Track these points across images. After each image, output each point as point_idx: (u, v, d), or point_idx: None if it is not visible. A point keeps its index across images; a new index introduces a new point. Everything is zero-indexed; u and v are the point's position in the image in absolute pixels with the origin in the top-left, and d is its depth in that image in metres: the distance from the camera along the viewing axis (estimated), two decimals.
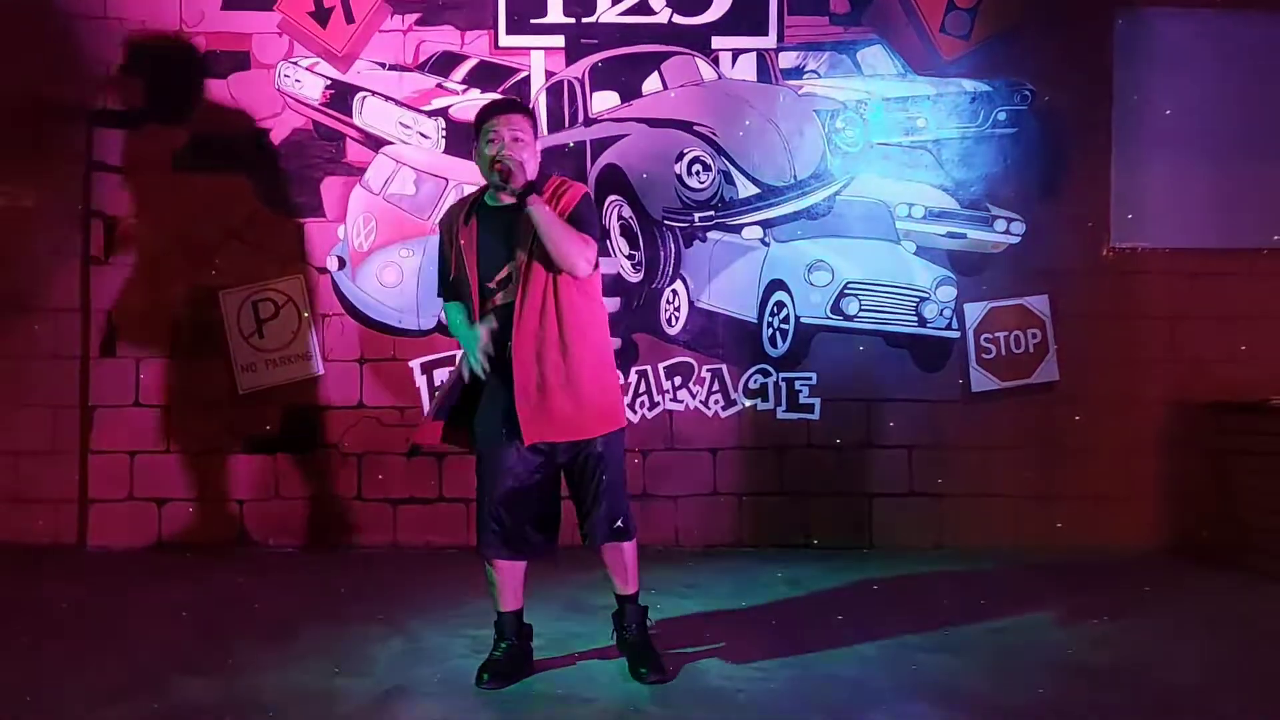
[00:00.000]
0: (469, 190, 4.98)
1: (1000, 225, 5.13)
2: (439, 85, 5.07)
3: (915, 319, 5.12)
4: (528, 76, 5.08)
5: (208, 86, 5.03)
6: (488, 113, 3.04)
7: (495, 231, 3.00)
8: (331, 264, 5.06)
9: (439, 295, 3.20)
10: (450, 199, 5.03)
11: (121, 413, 4.99)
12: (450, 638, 3.56)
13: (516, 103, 3.20)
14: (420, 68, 5.08)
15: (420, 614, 3.85)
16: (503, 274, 2.99)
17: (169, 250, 5.02)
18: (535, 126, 3.14)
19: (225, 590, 4.25)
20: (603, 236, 5.10)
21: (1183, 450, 5.10)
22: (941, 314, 5.12)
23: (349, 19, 5.04)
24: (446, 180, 5.06)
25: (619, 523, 3.12)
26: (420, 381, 5.04)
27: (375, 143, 5.06)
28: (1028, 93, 5.12)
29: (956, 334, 5.13)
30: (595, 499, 3.08)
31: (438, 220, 3.11)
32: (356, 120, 5.06)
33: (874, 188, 5.12)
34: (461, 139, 5.06)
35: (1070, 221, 5.12)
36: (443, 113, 5.06)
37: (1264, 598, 4.25)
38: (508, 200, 2.96)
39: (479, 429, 3.07)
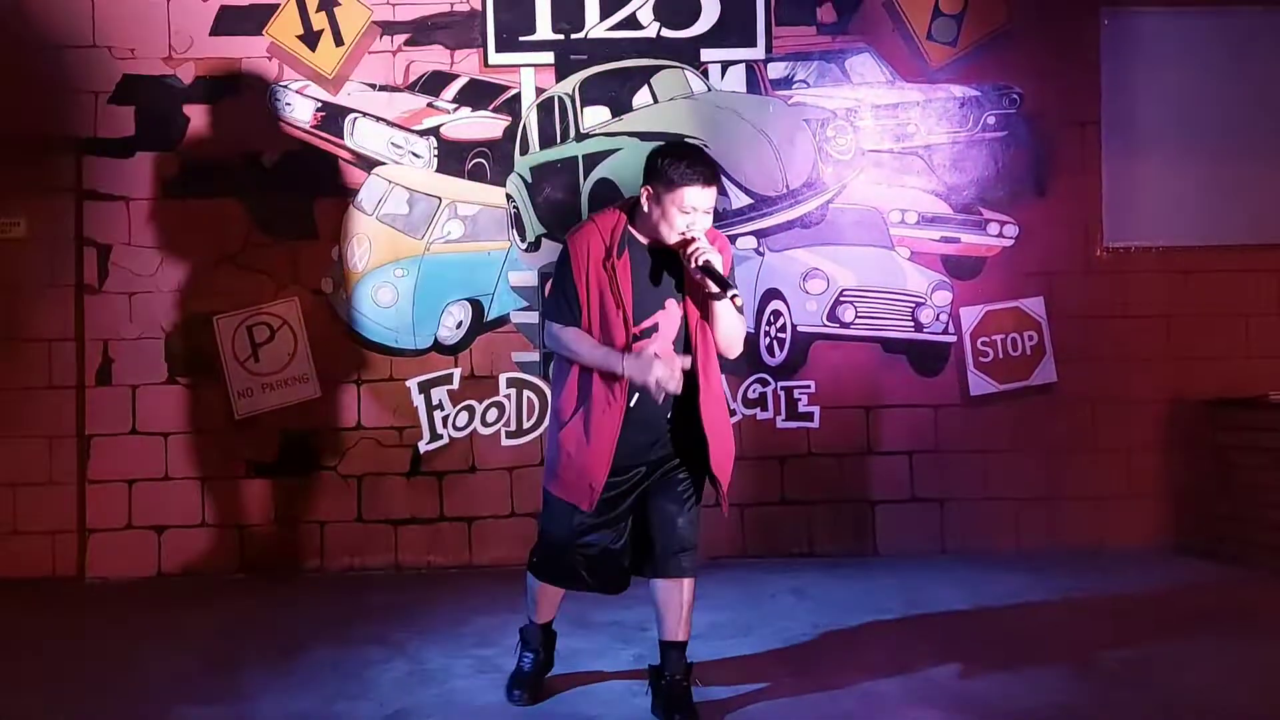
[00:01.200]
0: (463, 209, 5.07)
1: (993, 228, 5.14)
2: (430, 105, 5.08)
3: (911, 324, 5.12)
4: (518, 94, 5.09)
5: (198, 112, 5.03)
6: (684, 182, 2.77)
7: (649, 274, 2.86)
8: (326, 285, 5.05)
9: (559, 320, 2.90)
10: (444, 218, 5.04)
11: (119, 441, 4.97)
12: (453, 659, 3.53)
13: (709, 162, 2.85)
14: (411, 88, 5.09)
15: (422, 635, 3.82)
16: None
17: (163, 277, 5.01)
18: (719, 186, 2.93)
19: (227, 617, 4.23)
20: None
21: (1183, 448, 5.10)
22: (938, 318, 5.12)
23: (338, 41, 5.06)
24: (439, 199, 5.06)
25: (688, 560, 3.01)
26: (418, 401, 5.03)
27: (367, 163, 5.07)
28: (1016, 96, 5.15)
29: (953, 338, 5.13)
30: (672, 528, 3.00)
31: (570, 238, 2.90)
32: (348, 141, 5.06)
33: (866, 195, 5.13)
34: (454, 157, 5.06)
35: (1063, 223, 5.14)
36: (434, 132, 5.07)
37: (1269, 592, 4.24)
38: (662, 243, 2.84)
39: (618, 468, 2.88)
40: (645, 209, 2.84)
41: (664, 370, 2.76)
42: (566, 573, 3.01)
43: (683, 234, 2.78)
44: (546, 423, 3.20)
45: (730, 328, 2.86)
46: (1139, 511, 5.06)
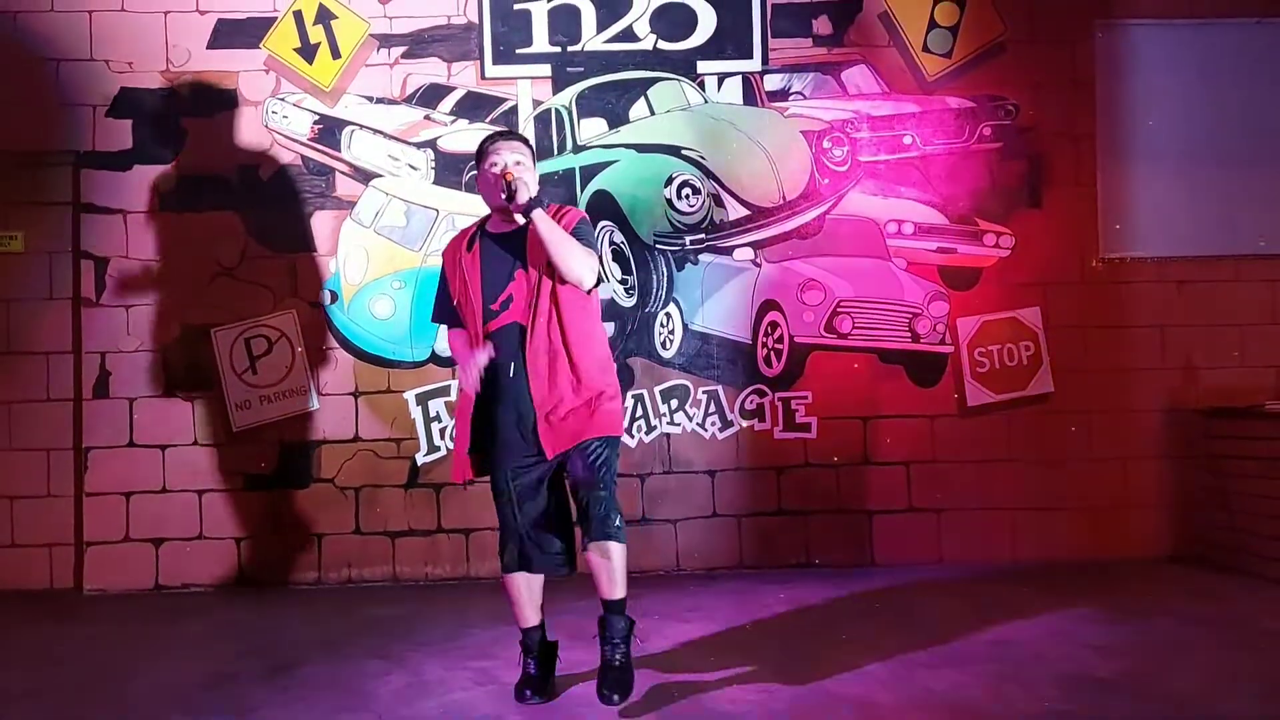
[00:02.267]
0: (460, 221, 5.08)
1: (989, 239, 5.16)
2: (427, 117, 5.10)
3: (908, 335, 5.14)
4: (515, 106, 5.11)
5: (195, 125, 5.05)
6: (487, 141, 3.18)
7: (498, 256, 3.11)
8: (324, 298, 5.06)
9: (435, 320, 3.33)
10: (441, 229, 5.05)
11: (116, 454, 4.97)
12: (451, 670, 3.53)
13: (515, 132, 3.35)
14: (408, 100, 5.11)
15: (421, 647, 3.82)
16: (505, 295, 3.10)
17: (160, 289, 5.02)
18: (533, 154, 3.25)
19: (224, 629, 4.22)
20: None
21: (1178, 458, 5.12)
22: (934, 329, 5.14)
23: (335, 54, 5.08)
24: (437, 211, 5.07)
25: (616, 522, 3.08)
26: (415, 413, 5.03)
27: (365, 176, 5.08)
28: (1012, 108, 5.17)
29: (950, 349, 5.15)
30: (588, 496, 3.10)
31: (440, 250, 3.30)
32: (345, 154, 5.08)
33: (863, 206, 5.16)
34: (451, 169, 5.08)
35: (1058, 233, 5.16)
36: (431, 144, 5.08)
37: (1265, 601, 4.25)
38: (508, 226, 3.10)
39: (496, 450, 3.14)
40: (479, 193, 3.20)
41: (468, 372, 3.07)
42: (510, 552, 3.17)
43: (504, 175, 3.01)
44: None
45: (556, 249, 2.98)
46: (1135, 521, 5.08)
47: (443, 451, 5.03)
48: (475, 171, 3.22)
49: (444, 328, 3.34)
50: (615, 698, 3.06)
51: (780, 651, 3.65)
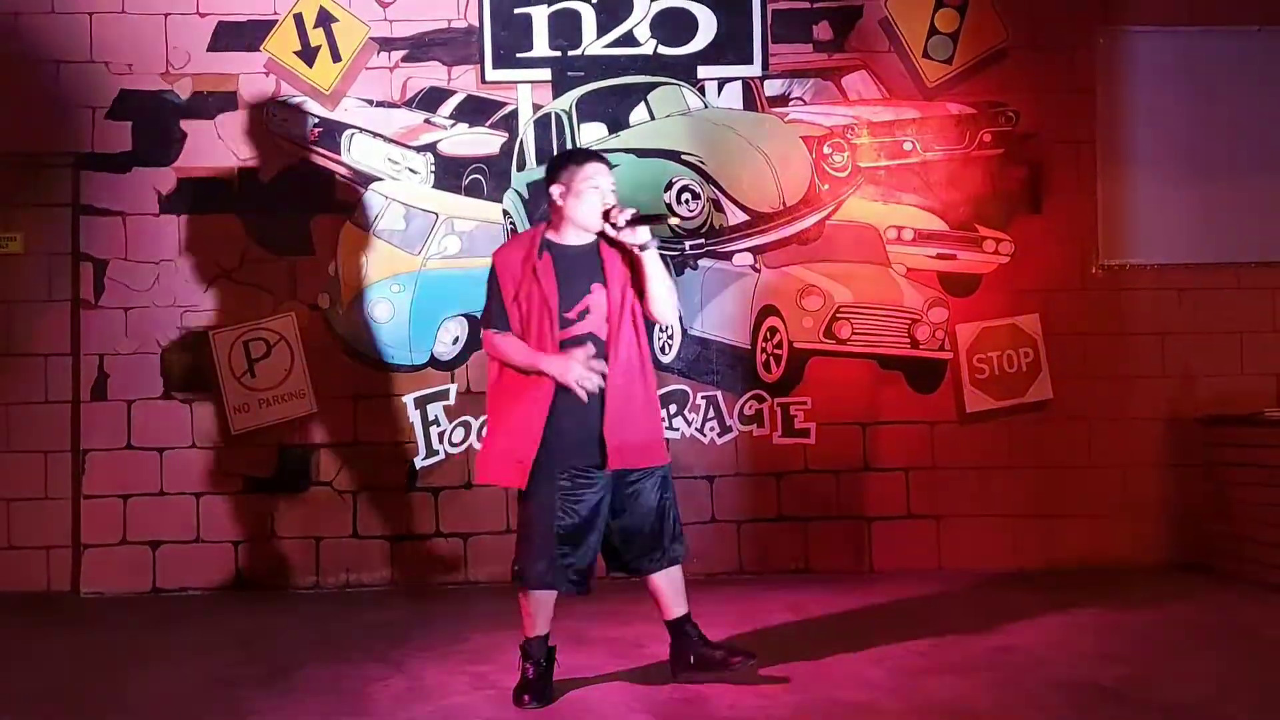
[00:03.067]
0: (460, 224, 5.07)
1: (989, 245, 5.16)
2: (427, 121, 5.10)
3: (908, 341, 5.13)
4: (515, 110, 5.11)
5: (195, 128, 5.04)
6: (582, 158, 3.24)
7: (571, 267, 3.16)
8: (323, 301, 5.05)
9: (492, 326, 3.20)
10: (441, 233, 5.05)
11: (114, 456, 4.96)
12: (450, 675, 3.51)
13: (599, 153, 3.35)
14: (408, 104, 5.11)
15: (419, 651, 3.80)
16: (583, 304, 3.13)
17: (159, 292, 5.01)
18: None
19: (222, 633, 4.20)
20: None
21: (1178, 465, 5.11)
22: (934, 335, 5.14)
23: (335, 57, 5.08)
24: (436, 215, 5.07)
25: (683, 544, 3.31)
26: (414, 416, 5.02)
27: (364, 179, 5.08)
28: (1012, 114, 5.18)
29: (949, 355, 5.14)
30: (662, 522, 3.24)
31: (494, 255, 3.26)
32: (345, 158, 5.07)
33: (863, 212, 5.15)
34: (451, 173, 5.07)
35: (1058, 240, 5.16)
36: (431, 148, 5.08)
37: (1266, 608, 4.24)
38: (579, 240, 3.19)
39: (547, 459, 3.10)
40: (560, 204, 3.17)
41: (581, 370, 3.04)
42: (544, 567, 3.12)
43: (605, 204, 3.12)
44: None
45: (662, 283, 3.19)
46: (1135, 528, 5.07)
47: (441, 455, 5.02)
48: (558, 183, 3.17)
49: (491, 333, 3.20)
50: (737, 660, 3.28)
51: (780, 658, 3.63)
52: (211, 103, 5.05)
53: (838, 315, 5.10)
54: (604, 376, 3.09)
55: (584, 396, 3.06)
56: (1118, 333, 5.15)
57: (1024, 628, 3.96)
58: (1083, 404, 5.11)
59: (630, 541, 3.24)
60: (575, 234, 3.19)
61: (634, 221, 3.11)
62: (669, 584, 3.28)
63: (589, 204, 3.15)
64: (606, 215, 3.13)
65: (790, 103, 5.18)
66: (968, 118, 5.18)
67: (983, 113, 5.18)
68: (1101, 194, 5.19)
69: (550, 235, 3.22)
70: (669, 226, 3.15)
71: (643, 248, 3.14)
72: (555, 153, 5.07)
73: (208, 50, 5.06)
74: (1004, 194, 5.18)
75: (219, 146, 5.04)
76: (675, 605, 3.30)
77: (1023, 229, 5.15)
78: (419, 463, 5.02)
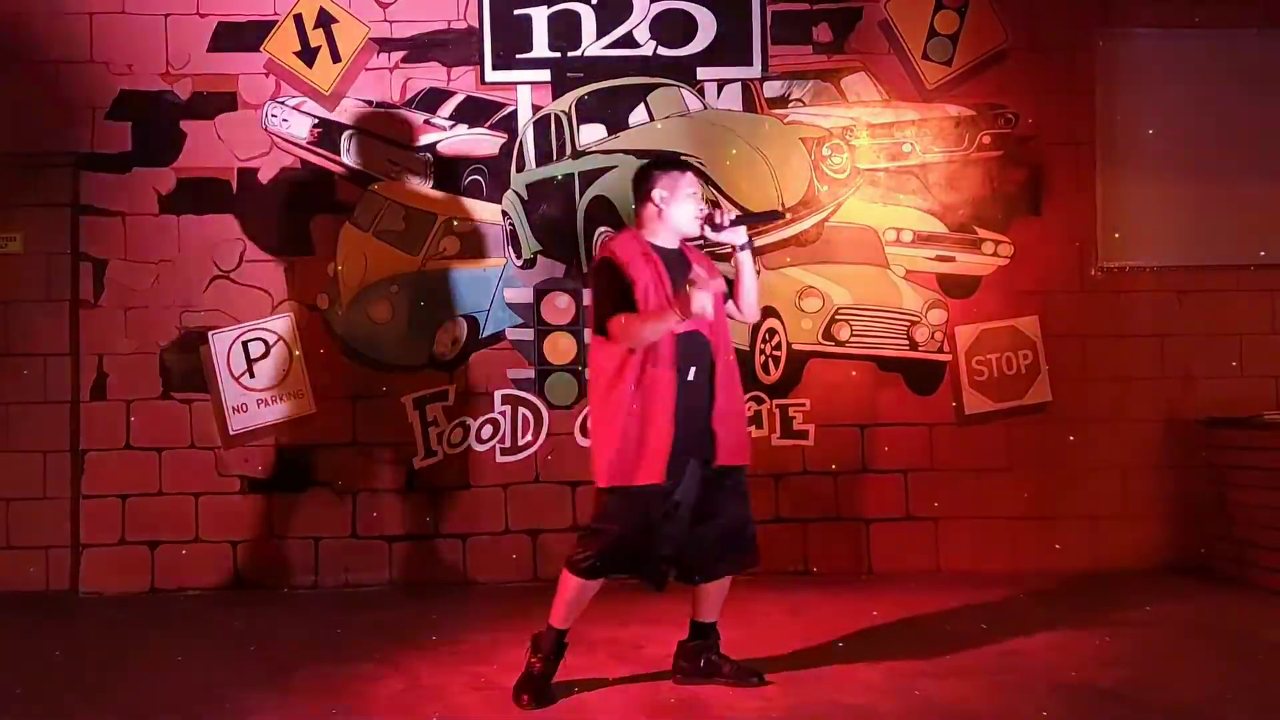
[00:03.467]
0: (460, 226, 5.07)
1: (988, 247, 5.16)
2: (426, 121, 5.10)
3: (907, 343, 5.13)
4: (514, 111, 5.11)
5: (194, 128, 5.04)
6: (685, 168, 3.39)
7: (673, 268, 3.23)
8: (322, 301, 5.05)
9: (614, 313, 3.14)
10: (440, 234, 5.05)
11: (113, 456, 4.95)
12: (448, 675, 3.51)
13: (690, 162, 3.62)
14: (407, 104, 5.11)
15: (417, 652, 3.80)
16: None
17: (158, 292, 5.01)
18: None
19: (220, 633, 4.20)
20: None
21: (1178, 467, 5.11)
22: (933, 337, 5.13)
23: (335, 58, 5.07)
24: (435, 215, 5.07)
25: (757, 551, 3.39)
26: (413, 417, 5.02)
27: (364, 180, 5.08)
28: (1011, 116, 5.17)
29: (948, 357, 5.14)
30: (741, 523, 3.32)
31: (604, 244, 3.33)
32: (344, 158, 5.07)
33: (862, 213, 5.15)
34: (450, 174, 5.07)
35: (1058, 242, 5.16)
36: (430, 148, 5.08)
37: (1265, 611, 4.23)
38: (672, 244, 3.28)
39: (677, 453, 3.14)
40: (655, 212, 3.27)
41: (705, 296, 3.03)
42: (626, 562, 3.17)
43: (702, 210, 3.26)
44: (593, 433, 3.31)
45: (753, 287, 3.35)
46: (1134, 531, 5.06)
47: (439, 456, 5.02)
48: (661, 188, 3.24)
49: (615, 320, 3.14)
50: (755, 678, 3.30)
51: (779, 660, 3.63)
52: (211, 103, 5.05)
53: (836, 317, 5.10)
54: (712, 368, 3.20)
55: (708, 314, 3.08)
56: (1117, 335, 5.14)
57: (1022, 630, 3.96)
58: (1082, 406, 5.10)
59: (717, 543, 3.26)
60: (666, 238, 3.28)
61: (736, 222, 3.28)
62: (719, 588, 3.34)
63: (688, 210, 3.26)
64: (710, 219, 3.25)
65: (790, 104, 5.18)
66: (967, 119, 5.18)
67: (982, 115, 5.18)
68: (1101, 196, 5.18)
69: (649, 238, 3.29)
70: (778, 210, 3.47)
71: (741, 247, 3.29)
72: (554, 154, 5.09)
73: (208, 51, 5.06)
74: (1003, 196, 5.18)
75: (219, 147, 5.04)
76: (714, 610, 3.37)
77: (1022, 231, 5.15)
78: (418, 463, 5.01)
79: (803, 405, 5.09)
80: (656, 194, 3.25)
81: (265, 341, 5.01)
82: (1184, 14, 5.22)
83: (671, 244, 3.30)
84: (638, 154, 5.09)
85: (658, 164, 3.42)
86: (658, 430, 3.10)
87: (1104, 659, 3.58)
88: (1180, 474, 5.10)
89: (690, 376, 3.17)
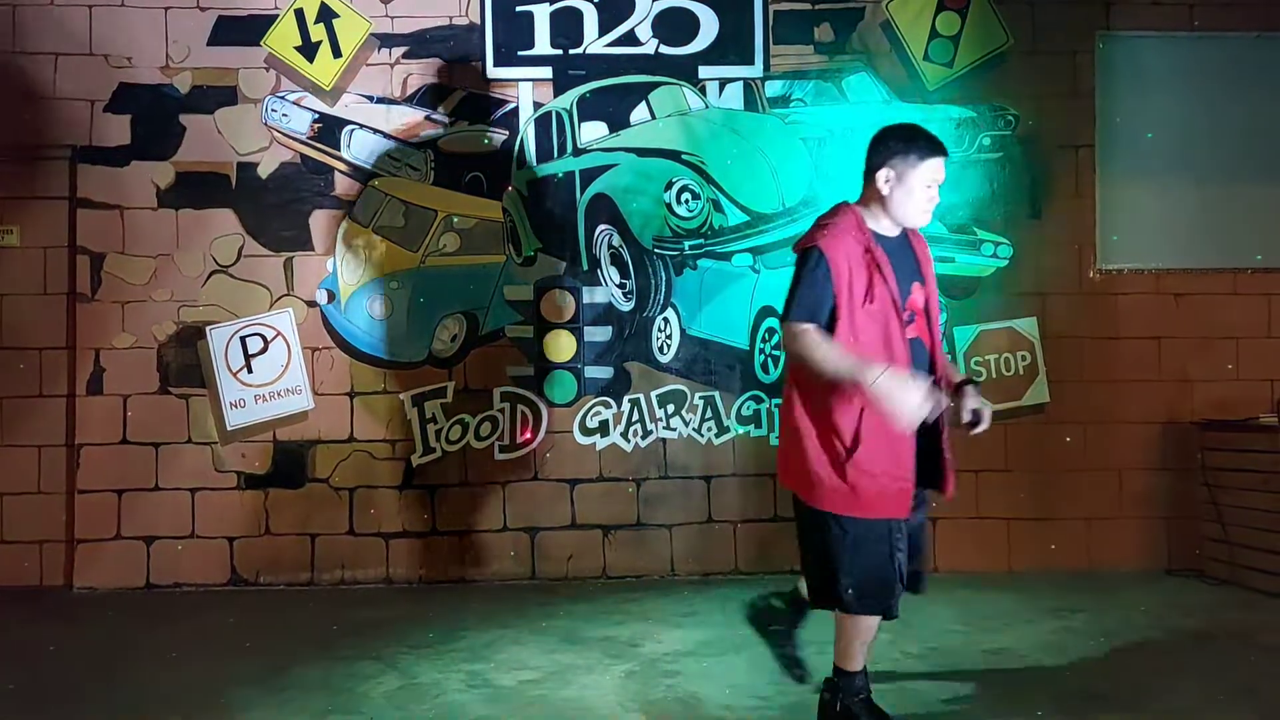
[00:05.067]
0: (460, 222, 5.07)
1: (987, 249, 5.16)
2: (427, 117, 5.09)
3: None
4: (516, 108, 5.10)
5: (194, 122, 5.03)
6: (928, 154, 2.76)
7: (897, 261, 2.78)
8: (321, 297, 5.04)
9: (802, 318, 2.70)
10: (440, 230, 5.04)
11: (109, 451, 4.94)
12: (444, 673, 3.51)
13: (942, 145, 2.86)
14: (408, 100, 5.10)
15: (414, 650, 3.80)
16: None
17: (156, 286, 4.99)
18: None
19: (216, 630, 4.19)
20: (593, 265, 5.11)
21: (1174, 469, 5.12)
22: None
23: (336, 53, 5.06)
24: (436, 212, 5.05)
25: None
26: (411, 414, 5.01)
27: (364, 175, 5.06)
28: (1011, 118, 5.18)
29: (947, 357, 5.13)
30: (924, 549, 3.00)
31: (819, 226, 2.80)
32: (345, 153, 5.06)
33: None
34: (451, 170, 5.06)
35: (1056, 244, 5.16)
36: (432, 144, 5.07)
37: (1259, 614, 4.25)
38: (894, 231, 2.81)
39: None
40: (885, 192, 2.76)
41: (922, 397, 2.57)
42: (887, 590, 2.78)
43: (932, 201, 2.77)
44: (812, 450, 2.75)
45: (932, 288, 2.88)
46: (1129, 532, 5.08)
47: (438, 453, 5.01)
48: (889, 169, 2.75)
49: (800, 325, 2.69)
50: None
51: (774, 659, 3.63)
52: (211, 97, 5.03)
53: None
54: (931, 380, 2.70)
55: (909, 430, 2.63)
56: (1114, 337, 5.15)
57: (1017, 631, 3.97)
58: (1079, 407, 5.11)
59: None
60: (890, 224, 2.80)
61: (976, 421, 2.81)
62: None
63: (918, 203, 2.76)
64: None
65: (791, 104, 5.18)
66: (967, 121, 5.18)
67: (982, 116, 5.18)
68: (1100, 199, 5.19)
69: (869, 222, 2.79)
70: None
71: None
72: (555, 152, 5.08)
73: (208, 44, 5.04)
74: (1002, 198, 5.18)
75: (218, 141, 5.03)
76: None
77: (1021, 233, 5.16)
78: (415, 460, 5.01)
79: None
80: (882, 175, 2.75)
81: (264, 337, 5.00)
82: (1184, 18, 5.23)
83: (894, 231, 2.81)
84: (639, 152, 5.09)
85: (901, 135, 2.80)
86: (898, 461, 2.70)
87: (1099, 661, 3.59)
88: (1176, 476, 5.11)
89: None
